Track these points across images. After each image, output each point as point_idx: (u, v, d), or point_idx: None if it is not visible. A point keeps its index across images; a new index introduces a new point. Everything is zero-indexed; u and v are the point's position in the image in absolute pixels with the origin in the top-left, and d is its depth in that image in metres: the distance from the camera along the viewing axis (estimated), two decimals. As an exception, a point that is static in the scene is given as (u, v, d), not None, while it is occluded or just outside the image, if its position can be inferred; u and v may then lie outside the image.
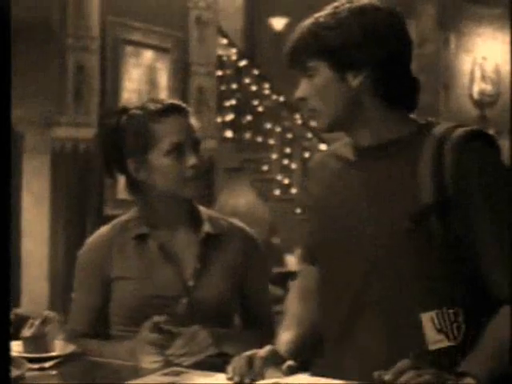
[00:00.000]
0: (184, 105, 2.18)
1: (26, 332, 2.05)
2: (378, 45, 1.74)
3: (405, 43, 1.79)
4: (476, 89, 10.72)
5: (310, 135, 9.40)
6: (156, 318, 1.99)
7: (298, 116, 9.35)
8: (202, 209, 2.26)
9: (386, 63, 1.74)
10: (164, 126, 2.12)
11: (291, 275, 7.09)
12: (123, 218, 2.26)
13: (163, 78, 6.51)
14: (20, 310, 5.79)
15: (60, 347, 2.06)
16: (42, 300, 5.65)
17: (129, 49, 6.24)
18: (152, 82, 6.41)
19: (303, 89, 1.80)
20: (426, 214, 1.64)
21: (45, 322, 2.07)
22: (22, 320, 5.31)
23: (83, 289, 2.23)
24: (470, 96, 10.70)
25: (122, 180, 2.26)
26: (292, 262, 8.41)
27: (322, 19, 1.77)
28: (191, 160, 2.11)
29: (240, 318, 2.30)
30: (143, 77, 6.34)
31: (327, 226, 1.85)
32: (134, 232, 2.19)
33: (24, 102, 5.37)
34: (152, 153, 2.13)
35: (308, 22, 1.81)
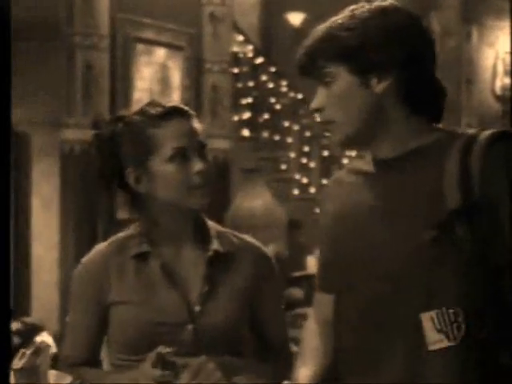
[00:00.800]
0: (186, 108, 2.01)
1: (17, 363, 1.90)
2: (402, 46, 1.63)
3: (428, 45, 1.68)
4: (498, 84, 10.58)
5: (328, 133, 9.29)
6: (160, 349, 1.84)
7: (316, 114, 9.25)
8: (211, 223, 2.08)
9: (410, 66, 1.63)
10: (165, 130, 1.96)
11: (312, 277, 6.92)
12: (122, 234, 2.09)
13: (176, 77, 6.37)
14: (30, 319, 5.69)
15: (55, 378, 1.89)
16: (52, 307, 5.52)
17: (140, 47, 6.10)
18: (164, 81, 6.27)
19: (320, 98, 1.67)
20: (452, 220, 1.56)
21: (37, 351, 1.90)
22: (33, 329, 5.14)
23: (78, 313, 2.06)
24: (492, 91, 10.56)
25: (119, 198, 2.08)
26: (313, 263, 8.34)
27: (340, 21, 1.66)
28: (197, 166, 1.95)
29: (252, 346, 2.10)
30: (155, 76, 6.21)
31: (345, 248, 1.72)
32: (134, 250, 2.01)
33: (30, 102, 5.24)
34: (153, 160, 1.98)
35: (324, 25, 1.68)
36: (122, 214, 6.11)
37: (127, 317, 1.98)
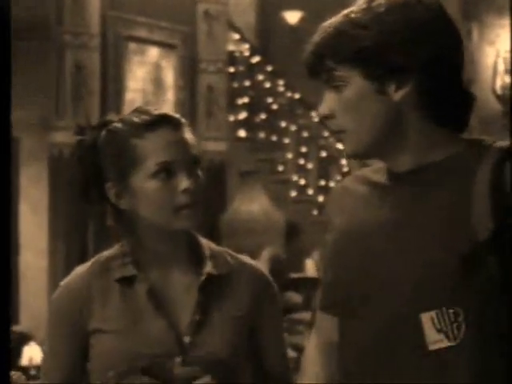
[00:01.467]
0: (177, 116, 1.80)
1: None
2: (426, 46, 1.43)
3: (455, 43, 1.47)
4: (499, 83, 10.40)
5: (326, 134, 9.26)
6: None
7: (313, 113, 9.21)
8: (205, 242, 1.87)
9: (434, 69, 1.43)
10: (149, 142, 1.76)
11: (310, 281, 6.77)
12: (106, 254, 1.88)
13: (169, 77, 6.20)
14: (19, 327, 5.48)
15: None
16: (41, 316, 5.33)
17: (132, 46, 5.93)
18: (157, 81, 6.10)
19: (329, 103, 1.47)
20: (483, 252, 1.38)
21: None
22: (22, 338, 4.95)
23: (56, 342, 1.87)
24: (493, 90, 10.38)
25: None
26: (311, 266, 8.23)
27: (353, 15, 1.45)
28: (183, 183, 1.74)
29: (250, 377, 1.90)
30: (148, 76, 6.04)
31: (354, 268, 1.54)
32: (118, 273, 1.81)
33: (19, 104, 5.04)
34: (135, 175, 1.77)
35: (335, 19, 1.47)
36: (110, 220, 5.93)
37: (109, 346, 1.78)
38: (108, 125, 1.82)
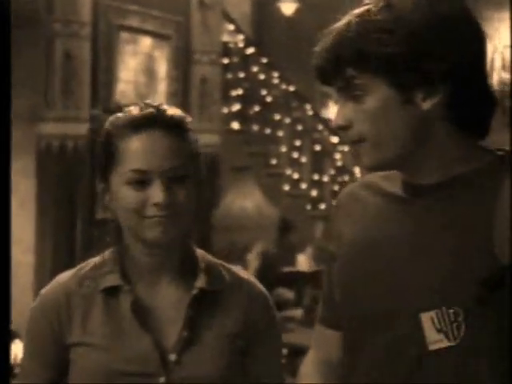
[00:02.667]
0: (175, 117, 1.63)
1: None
2: (457, 51, 1.30)
3: (482, 45, 1.37)
4: (496, 78, 10.32)
5: (320, 127, 9.26)
6: None
7: (308, 106, 9.15)
8: (200, 254, 1.73)
9: (465, 75, 1.32)
10: (131, 144, 1.61)
11: (301, 276, 6.69)
12: (92, 261, 1.75)
13: (162, 68, 6.06)
14: (5, 324, 5.32)
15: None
16: (28, 313, 5.23)
17: (124, 35, 5.76)
18: (150, 72, 5.96)
19: (346, 113, 1.35)
20: (506, 277, 1.28)
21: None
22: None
23: (33, 356, 1.74)
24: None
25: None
26: (303, 261, 8.16)
27: (374, 15, 1.30)
28: (156, 196, 1.58)
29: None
30: (140, 66, 5.89)
31: (363, 282, 1.44)
32: (103, 283, 1.67)
33: (6, 94, 4.90)
34: (114, 177, 1.63)
35: (351, 18, 1.33)
36: (102, 213, 5.82)
37: (89, 362, 1.65)
38: (119, 110, 1.69)
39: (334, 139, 9.14)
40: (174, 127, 1.62)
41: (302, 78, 8.49)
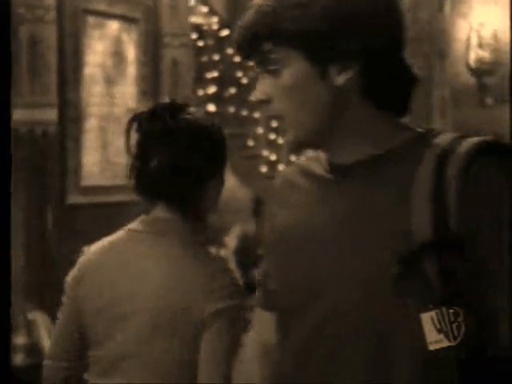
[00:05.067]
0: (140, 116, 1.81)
1: None
2: (374, 26, 1.32)
3: (400, 22, 1.37)
4: (473, 56, 10.34)
5: None
6: None
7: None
8: None
9: (379, 51, 1.33)
10: None
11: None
12: None
13: (131, 52, 6.01)
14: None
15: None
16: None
17: (91, 20, 5.70)
18: (118, 56, 5.90)
19: (265, 88, 1.37)
20: (421, 254, 1.28)
21: None
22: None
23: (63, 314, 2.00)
24: (467, 64, 10.32)
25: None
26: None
27: None
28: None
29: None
30: (108, 50, 5.82)
31: (294, 261, 1.45)
32: None
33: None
34: None
35: None
36: (73, 198, 5.77)
37: None
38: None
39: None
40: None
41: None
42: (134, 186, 1.89)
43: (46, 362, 1.91)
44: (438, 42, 9.99)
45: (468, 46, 10.32)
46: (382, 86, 1.35)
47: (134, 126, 1.86)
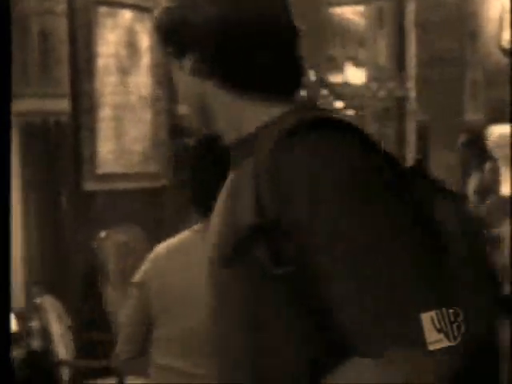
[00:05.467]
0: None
1: None
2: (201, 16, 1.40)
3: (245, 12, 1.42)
4: (505, 37, 10.18)
5: (325, 92, 9.11)
6: None
7: (311, 72, 9.04)
8: None
9: (220, 40, 1.40)
10: None
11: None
12: None
13: (144, 41, 6.02)
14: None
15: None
16: (16, 286, 5.28)
17: (102, 10, 5.72)
18: (132, 46, 5.92)
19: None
20: (247, 239, 1.30)
21: None
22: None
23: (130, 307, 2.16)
24: (499, 44, 10.16)
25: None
26: None
27: None
28: None
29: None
30: (121, 40, 5.85)
31: None
32: None
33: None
34: None
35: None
36: (88, 185, 5.79)
37: None
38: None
39: (339, 104, 9.07)
40: None
41: (304, 44, 8.41)
42: (192, 199, 2.00)
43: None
44: (470, 23, 9.86)
45: (500, 26, 10.17)
46: (233, 70, 1.40)
47: None
